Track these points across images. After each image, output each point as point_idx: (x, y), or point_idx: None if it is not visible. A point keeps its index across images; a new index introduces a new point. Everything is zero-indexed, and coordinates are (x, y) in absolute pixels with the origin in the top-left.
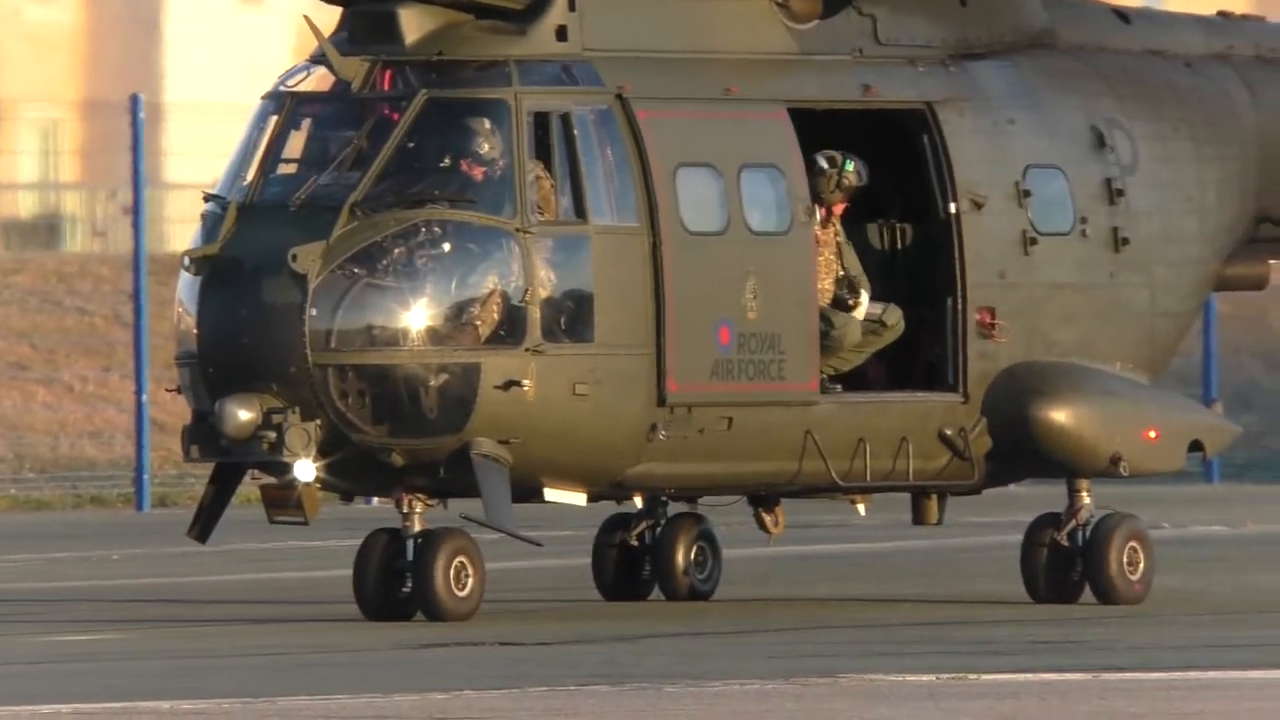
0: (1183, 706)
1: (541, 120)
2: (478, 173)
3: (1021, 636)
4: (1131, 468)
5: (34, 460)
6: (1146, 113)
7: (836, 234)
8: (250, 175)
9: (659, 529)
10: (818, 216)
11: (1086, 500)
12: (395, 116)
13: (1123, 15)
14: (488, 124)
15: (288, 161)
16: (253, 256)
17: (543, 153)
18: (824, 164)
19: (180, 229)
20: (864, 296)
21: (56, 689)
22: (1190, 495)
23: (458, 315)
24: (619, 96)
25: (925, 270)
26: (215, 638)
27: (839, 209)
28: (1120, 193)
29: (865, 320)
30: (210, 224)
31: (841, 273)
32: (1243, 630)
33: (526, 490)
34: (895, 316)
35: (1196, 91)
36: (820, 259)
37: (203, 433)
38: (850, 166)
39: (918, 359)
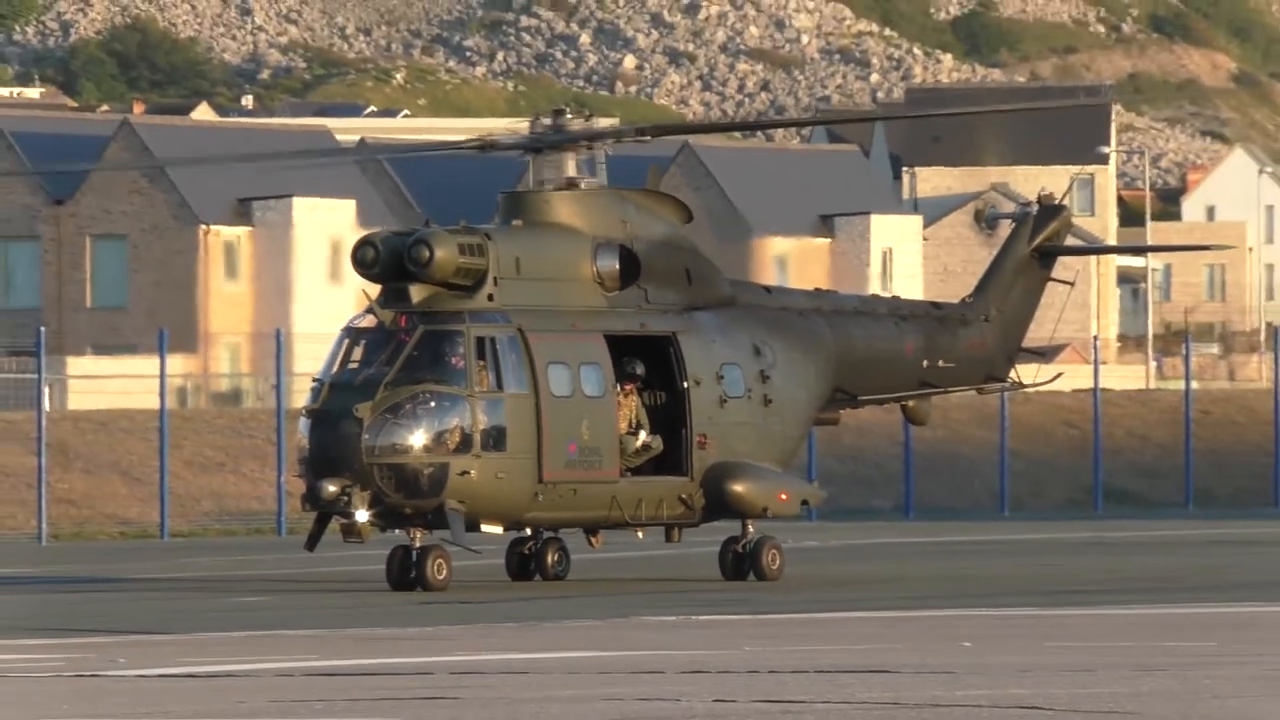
0: (802, 632)
1: (481, 341)
2: (449, 367)
3: (718, 599)
4: (774, 514)
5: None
6: (780, 338)
7: (632, 398)
8: (335, 368)
9: (539, 544)
10: (618, 389)
11: (751, 530)
12: (407, 339)
13: (766, 289)
14: (454, 343)
15: (354, 361)
16: (336, 409)
17: (481, 356)
18: (637, 370)
19: (299, 395)
20: (642, 434)
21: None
22: (802, 527)
23: (438, 438)
24: (520, 329)
25: (673, 415)
26: (307, 596)
27: (629, 388)
28: (767, 377)
29: (641, 445)
30: (315, 393)
31: (634, 419)
32: (828, 593)
33: (472, 525)
34: (658, 443)
35: (805, 327)
36: (622, 412)
37: (312, 497)
38: (640, 370)
39: (668, 460)
